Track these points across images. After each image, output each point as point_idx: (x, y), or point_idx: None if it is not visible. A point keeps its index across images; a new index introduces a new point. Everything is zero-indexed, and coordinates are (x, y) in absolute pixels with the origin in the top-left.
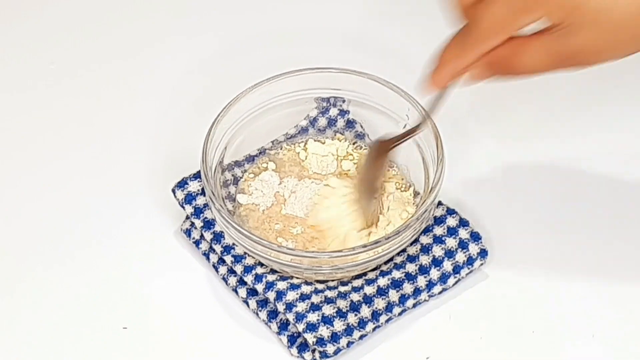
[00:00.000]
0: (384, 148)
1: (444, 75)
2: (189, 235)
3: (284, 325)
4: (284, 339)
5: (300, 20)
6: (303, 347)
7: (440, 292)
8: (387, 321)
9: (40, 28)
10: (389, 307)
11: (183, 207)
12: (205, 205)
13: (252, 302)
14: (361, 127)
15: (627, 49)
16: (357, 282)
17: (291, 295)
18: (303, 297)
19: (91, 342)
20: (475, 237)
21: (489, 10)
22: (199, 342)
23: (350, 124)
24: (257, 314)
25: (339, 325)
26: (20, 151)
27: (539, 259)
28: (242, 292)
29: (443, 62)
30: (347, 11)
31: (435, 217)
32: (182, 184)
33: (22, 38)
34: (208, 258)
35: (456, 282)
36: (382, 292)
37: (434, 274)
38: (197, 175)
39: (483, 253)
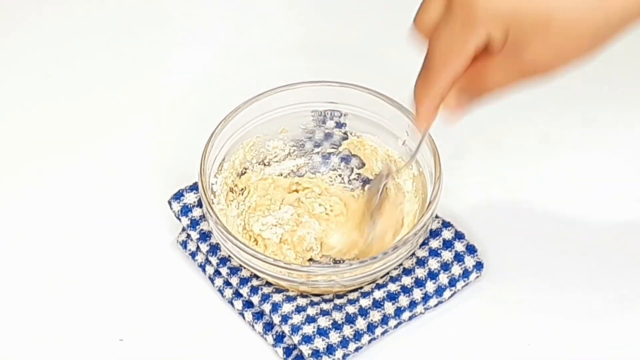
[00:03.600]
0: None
1: (424, 113)
2: (185, 247)
3: (279, 337)
4: (280, 351)
5: (298, 34)
6: (298, 359)
7: (436, 305)
8: (382, 334)
9: (38, 45)
10: (384, 320)
11: (179, 219)
12: (202, 217)
13: (248, 314)
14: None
15: (577, 57)
16: (353, 295)
17: (287, 308)
18: (299, 310)
19: (87, 354)
20: (471, 249)
21: (438, 38)
22: (194, 354)
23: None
24: (253, 326)
25: (334, 338)
26: (19, 161)
27: (534, 272)
28: (238, 304)
29: (419, 102)
30: (346, 25)
31: (430, 230)
32: (178, 195)
33: (20, 55)
34: (204, 270)
35: (452, 295)
36: (377, 304)
37: (430, 286)
38: (193, 187)
39: (479, 266)
